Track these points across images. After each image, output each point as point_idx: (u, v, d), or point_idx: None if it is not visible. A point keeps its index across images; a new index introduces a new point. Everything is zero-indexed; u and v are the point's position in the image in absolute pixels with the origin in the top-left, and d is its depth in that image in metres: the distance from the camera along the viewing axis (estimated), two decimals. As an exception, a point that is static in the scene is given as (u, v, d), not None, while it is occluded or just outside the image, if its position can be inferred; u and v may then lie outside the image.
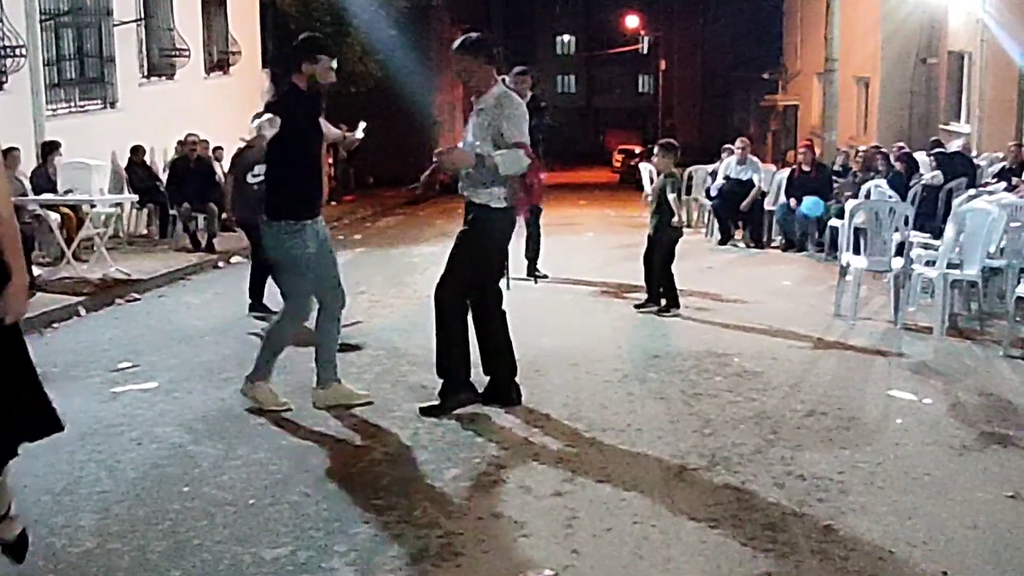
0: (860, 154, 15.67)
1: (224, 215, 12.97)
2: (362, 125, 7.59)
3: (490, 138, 6.60)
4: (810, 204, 14.38)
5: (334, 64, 6.84)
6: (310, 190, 6.85)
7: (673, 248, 10.34)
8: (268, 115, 6.60)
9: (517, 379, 7.07)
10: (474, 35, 6.90)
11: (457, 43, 6.83)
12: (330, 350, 7.05)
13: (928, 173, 14.20)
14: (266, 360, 6.94)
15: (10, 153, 12.58)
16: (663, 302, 10.26)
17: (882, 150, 15.94)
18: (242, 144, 9.97)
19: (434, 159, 6.81)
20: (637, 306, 10.38)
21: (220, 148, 17.94)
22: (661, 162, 10.60)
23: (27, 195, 12.42)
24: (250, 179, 9.60)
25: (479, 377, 7.00)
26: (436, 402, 6.83)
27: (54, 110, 14.67)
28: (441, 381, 6.88)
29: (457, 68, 6.85)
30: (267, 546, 4.75)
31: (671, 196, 10.16)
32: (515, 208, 6.75)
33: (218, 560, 4.62)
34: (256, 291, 10.02)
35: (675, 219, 10.21)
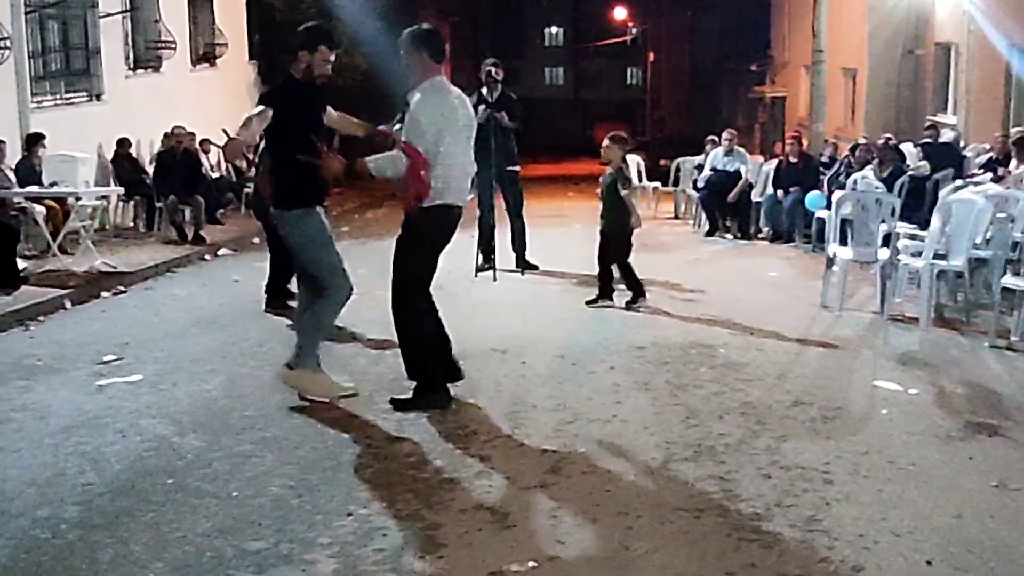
0: (859, 149, 15.45)
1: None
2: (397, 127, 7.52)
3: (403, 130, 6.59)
4: (814, 199, 14.35)
5: (332, 57, 6.83)
6: (316, 178, 6.82)
7: (628, 241, 10.23)
8: (260, 107, 6.58)
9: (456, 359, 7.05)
10: (425, 26, 6.90)
11: (407, 30, 6.80)
12: (317, 338, 7.03)
13: (914, 162, 14.19)
14: (311, 347, 6.90)
15: (-4, 145, 12.56)
16: (615, 295, 10.19)
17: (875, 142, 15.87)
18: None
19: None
20: (588, 302, 10.21)
21: (207, 140, 17.89)
22: (609, 155, 10.25)
23: (12, 187, 12.36)
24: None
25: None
26: (408, 396, 6.80)
27: (39, 102, 14.60)
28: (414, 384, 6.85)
29: (404, 60, 6.77)
30: (250, 538, 4.74)
31: (624, 192, 10.08)
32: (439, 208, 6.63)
33: (201, 552, 4.61)
34: (275, 285, 10.00)
35: (633, 219, 10.11)
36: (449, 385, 6.89)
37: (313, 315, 6.94)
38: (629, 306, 10.00)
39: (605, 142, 10.27)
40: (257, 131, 6.66)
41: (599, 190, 10.40)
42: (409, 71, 6.73)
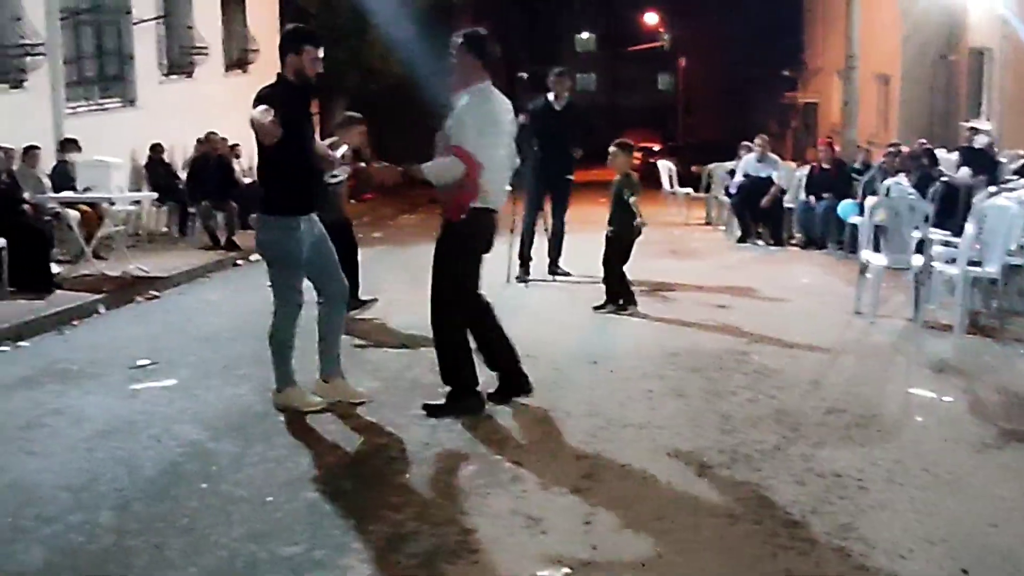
0: (897, 159, 15.30)
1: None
2: (343, 149, 7.57)
3: (448, 137, 6.59)
4: (846, 208, 14.28)
5: (320, 54, 6.75)
6: (304, 185, 6.84)
7: (629, 248, 10.23)
8: (262, 107, 6.47)
9: (525, 369, 7.05)
10: (480, 30, 6.88)
11: (460, 32, 6.81)
12: (334, 344, 7.06)
13: (951, 169, 14.10)
14: (282, 366, 6.92)
15: (30, 151, 12.66)
16: (635, 300, 10.23)
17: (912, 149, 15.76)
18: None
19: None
20: (596, 307, 10.21)
21: (239, 145, 17.97)
22: (616, 162, 10.26)
23: (46, 193, 12.45)
24: (328, 179, 9.64)
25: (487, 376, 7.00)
26: (442, 402, 6.81)
27: (74, 108, 14.71)
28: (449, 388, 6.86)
29: (453, 60, 6.77)
30: (283, 543, 4.75)
31: (631, 199, 10.03)
32: (487, 211, 6.66)
33: (235, 557, 4.62)
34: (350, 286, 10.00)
35: (638, 219, 10.06)
36: (518, 399, 6.91)
37: (273, 336, 6.93)
38: (619, 311, 10.02)
39: (611, 149, 10.25)
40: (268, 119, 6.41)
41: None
42: (456, 72, 6.73)
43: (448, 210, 6.65)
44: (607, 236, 10.26)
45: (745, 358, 8.32)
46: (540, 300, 10.88)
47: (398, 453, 6.04)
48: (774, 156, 16.85)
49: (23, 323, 9.37)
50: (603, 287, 10.27)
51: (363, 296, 10.06)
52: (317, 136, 7.20)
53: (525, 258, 11.89)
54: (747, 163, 16.63)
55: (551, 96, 12.01)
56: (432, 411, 6.74)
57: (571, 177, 12.16)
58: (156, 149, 16.15)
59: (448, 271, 6.71)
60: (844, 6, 21.51)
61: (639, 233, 10.17)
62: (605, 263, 10.27)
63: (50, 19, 13.84)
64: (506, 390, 6.98)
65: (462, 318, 6.79)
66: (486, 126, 6.56)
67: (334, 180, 9.74)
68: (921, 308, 9.63)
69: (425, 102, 28.03)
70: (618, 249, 10.16)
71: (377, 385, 7.47)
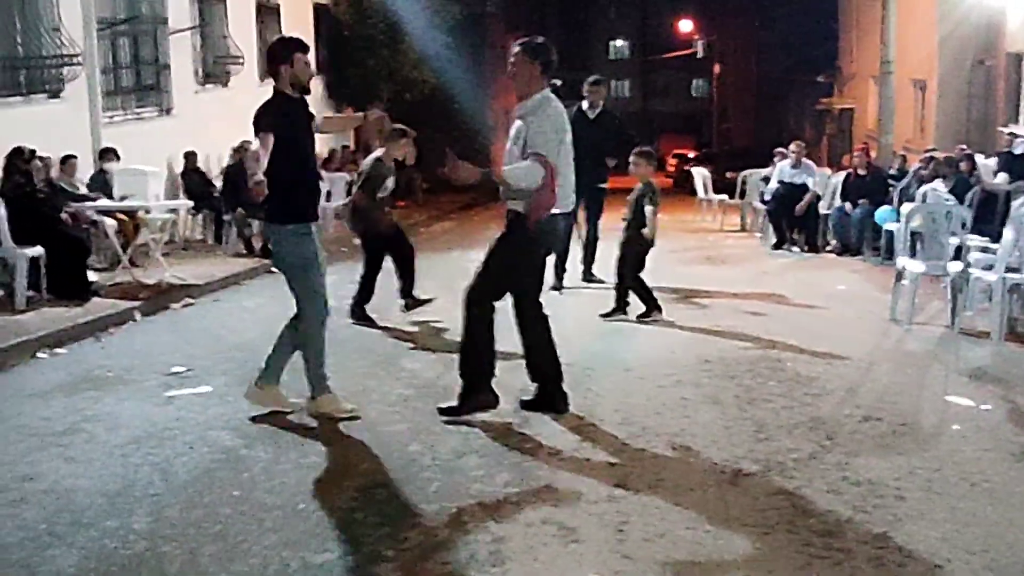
0: (931, 165, 15.17)
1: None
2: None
3: (520, 145, 6.63)
4: (883, 214, 14.20)
5: (310, 57, 6.84)
6: (310, 193, 6.92)
7: (643, 258, 10.20)
8: (263, 134, 6.52)
9: (565, 386, 7.03)
10: (539, 39, 6.92)
11: (520, 41, 6.87)
12: (285, 356, 7.05)
13: (989, 175, 13.98)
14: (316, 371, 6.93)
15: (68, 160, 12.76)
16: (629, 309, 10.19)
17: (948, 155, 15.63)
18: (376, 156, 10.05)
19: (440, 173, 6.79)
20: (604, 315, 10.19)
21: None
22: (639, 171, 10.24)
23: (84, 201, 12.55)
24: (380, 193, 9.86)
25: (525, 384, 6.99)
26: (455, 403, 6.82)
27: (111, 117, 14.81)
28: (462, 384, 6.87)
29: (510, 69, 6.82)
30: (316, 551, 4.75)
31: (648, 208, 9.99)
32: (553, 217, 6.72)
33: (267, 564, 4.63)
34: (362, 296, 10.14)
35: (645, 230, 10.02)
36: (548, 414, 6.90)
37: (302, 347, 6.95)
38: (641, 319, 9.97)
39: (632, 158, 10.26)
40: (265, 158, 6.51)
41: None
42: (517, 81, 6.79)
43: (529, 215, 6.67)
44: (620, 243, 10.26)
45: (780, 365, 8.27)
46: (574, 307, 10.85)
47: (431, 461, 6.03)
48: (809, 162, 16.77)
49: (61, 330, 9.43)
50: (630, 295, 10.21)
51: (419, 295, 10.30)
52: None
53: (559, 266, 11.88)
54: (782, 169, 16.56)
55: (585, 104, 11.99)
56: (447, 412, 6.78)
57: (605, 186, 12.12)
58: (190, 157, 16.24)
59: (503, 270, 6.77)
60: (879, 11, 21.37)
61: (651, 244, 10.14)
62: (618, 271, 10.26)
63: (87, 30, 13.94)
64: (541, 402, 6.98)
65: (492, 311, 6.81)
66: (554, 133, 6.65)
67: (383, 193, 9.89)
68: (958, 315, 9.55)
69: (459, 110, 28.21)
70: (631, 258, 10.13)
71: (410, 392, 7.48)
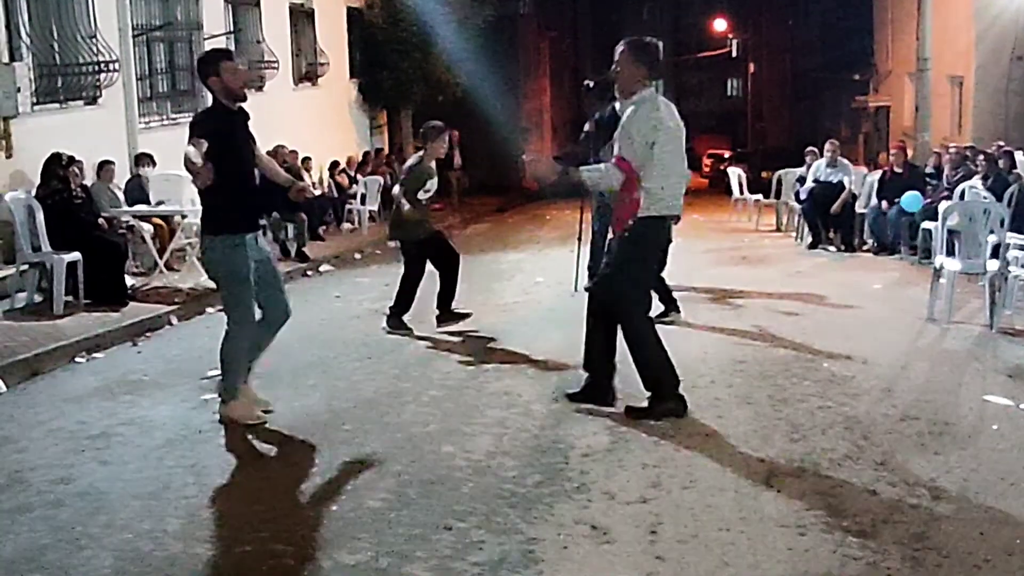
0: (960, 167, 15.02)
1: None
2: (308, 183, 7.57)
3: (616, 144, 6.73)
4: (909, 199, 14.08)
5: (240, 64, 6.87)
6: (247, 203, 6.91)
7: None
8: (191, 147, 6.44)
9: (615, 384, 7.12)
10: (646, 38, 6.97)
11: (627, 39, 6.94)
12: (254, 357, 7.12)
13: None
14: (231, 379, 6.95)
15: (105, 166, 12.86)
16: (679, 309, 10.07)
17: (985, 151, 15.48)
18: (413, 161, 9.88)
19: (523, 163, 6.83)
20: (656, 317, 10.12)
21: (308, 159, 18.13)
22: None
23: (121, 206, 12.64)
24: (421, 195, 9.60)
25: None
26: (644, 405, 6.85)
27: (147, 123, 14.90)
28: (649, 392, 6.90)
29: (615, 67, 6.88)
30: (348, 551, 4.76)
31: None
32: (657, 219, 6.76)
33: (301, 564, 4.64)
34: (401, 305, 9.82)
35: None
36: (594, 405, 6.98)
37: (225, 352, 6.96)
38: (659, 319, 9.88)
39: None
40: (200, 162, 6.38)
41: None
42: (621, 81, 6.86)
43: (614, 223, 6.74)
44: None
45: (815, 365, 8.22)
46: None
47: (463, 461, 6.03)
48: (845, 161, 16.64)
49: (98, 335, 9.51)
50: (680, 294, 10.15)
51: (457, 308, 9.89)
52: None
53: (593, 267, 11.84)
54: (817, 168, 16.45)
55: (618, 105, 11.93)
56: (633, 412, 6.80)
57: None
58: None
59: (625, 277, 6.80)
60: (915, 7, 21.18)
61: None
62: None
63: (123, 36, 14.03)
64: (587, 394, 7.06)
65: (646, 322, 6.94)
66: (656, 133, 6.63)
67: (425, 196, 9.69)
68: (997, 313, 9.45)
69: (492, 112, 28.22)
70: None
71: (443, 394, 7.47)
